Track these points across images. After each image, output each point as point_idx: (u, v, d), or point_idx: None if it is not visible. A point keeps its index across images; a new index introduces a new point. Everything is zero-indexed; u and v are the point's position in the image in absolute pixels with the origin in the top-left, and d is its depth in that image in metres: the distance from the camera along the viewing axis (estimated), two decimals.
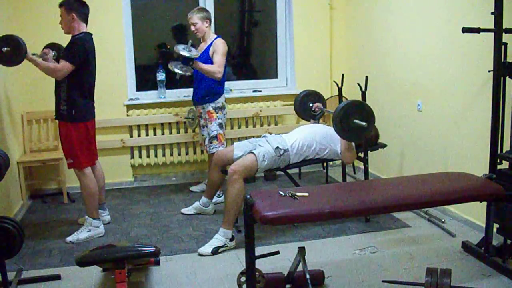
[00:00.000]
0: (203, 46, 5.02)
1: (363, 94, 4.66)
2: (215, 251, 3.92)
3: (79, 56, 4.05)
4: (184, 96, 5.76)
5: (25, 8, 5.22)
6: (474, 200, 3.23)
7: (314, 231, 4.32)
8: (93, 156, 4.46)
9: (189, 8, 5.02)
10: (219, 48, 4.85)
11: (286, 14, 6.19)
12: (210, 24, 5.00)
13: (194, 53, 4.63)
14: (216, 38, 4.95)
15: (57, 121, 4.34)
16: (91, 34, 4.23)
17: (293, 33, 6.12)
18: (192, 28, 4.96)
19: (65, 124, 4.21)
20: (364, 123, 3.61)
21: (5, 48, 3.95)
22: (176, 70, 4.65)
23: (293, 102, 6.09)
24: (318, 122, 5.04)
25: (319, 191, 3.14)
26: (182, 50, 4.58)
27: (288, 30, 6.21)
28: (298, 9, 6.08)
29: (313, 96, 5.12)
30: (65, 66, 4.02)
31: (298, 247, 3.11)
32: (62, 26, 4.19)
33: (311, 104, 5.05)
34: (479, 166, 3.81)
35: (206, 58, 4.90)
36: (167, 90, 5.82)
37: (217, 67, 4.77)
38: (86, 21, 4.22)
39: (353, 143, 4.34)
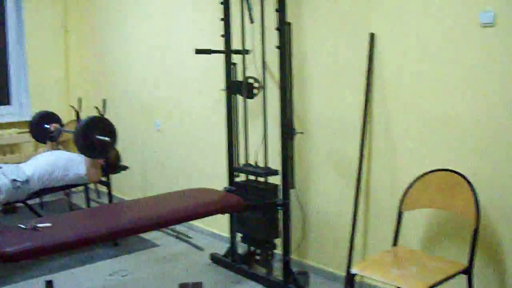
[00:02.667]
0: None
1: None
2: None
3: None
4: None
5: None
6: (217, 213, 3.39)
7: (62, 262, 4.14)
8: None
9: None
10: None
11: (18, 37, 5.86)
12: None
13: None
14: None
15: None
16: None
17: (26, 57, 5.83)
18: None
19: None
20: (107, 138, 3.67)
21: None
22: None
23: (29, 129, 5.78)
24: (57, 144, 4.86)
25: (63, 219, 3.06)
26: None
27: (21, 54, 5.89)
28: (31, 31, 5.83)
29: (49, 117, 4.88)
30: None
31: (46, 281, 3.00)
32: None
33: (47, 126, 4.80)
34: (220, 180, 4.04)
35: None
36: None
37: None
38: None
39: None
